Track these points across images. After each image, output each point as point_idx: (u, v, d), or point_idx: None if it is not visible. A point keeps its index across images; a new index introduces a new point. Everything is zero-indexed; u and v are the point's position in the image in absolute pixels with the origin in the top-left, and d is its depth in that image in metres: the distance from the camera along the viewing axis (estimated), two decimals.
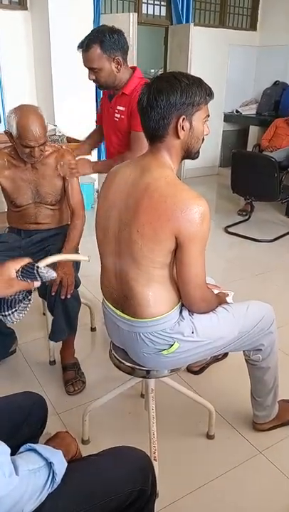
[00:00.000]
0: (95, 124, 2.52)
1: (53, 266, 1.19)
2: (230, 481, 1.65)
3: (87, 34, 2.00)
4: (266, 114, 5.76)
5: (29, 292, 1.17)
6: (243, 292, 2.90)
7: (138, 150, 1.98)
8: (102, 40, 1.94)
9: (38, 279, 1.11)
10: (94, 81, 2.07)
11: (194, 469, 1.70)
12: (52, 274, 1.13)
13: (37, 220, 2.15)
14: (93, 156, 3.89)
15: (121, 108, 2.11)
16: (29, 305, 1.18)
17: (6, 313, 1.15)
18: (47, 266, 1.14)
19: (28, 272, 1.10)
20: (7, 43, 4.25)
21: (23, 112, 1.87)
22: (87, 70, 2.06)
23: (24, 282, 1.10)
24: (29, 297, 1.17)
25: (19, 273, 1.10)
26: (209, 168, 6.34)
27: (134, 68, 2.13)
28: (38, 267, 1.11)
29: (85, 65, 2.03)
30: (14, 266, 1.10)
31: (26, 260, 1.12)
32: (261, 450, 1.78)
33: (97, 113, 2.47)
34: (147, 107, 1.26)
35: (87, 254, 1.31)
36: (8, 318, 1.16)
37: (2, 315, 1.15)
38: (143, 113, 1.28)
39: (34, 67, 4.57)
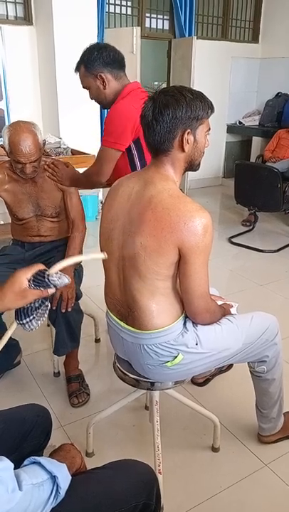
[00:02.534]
0: None
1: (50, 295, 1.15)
2: (235, 494, 1.63)
3: None
4: (269, 125, 5.80)
5: (45, 299, 1.14)
6: (247, 303, 2.91)
7: (95, 166, 1.94)
8: (83, 60, 1.93)
9: (52, 286, 1.08)
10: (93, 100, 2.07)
11: (199, 482, 1.69)
12: (64, 280, 1.09)
13: (39, 233, 2.16)
14: None
15: None
16: (47, 311, 1.16)
17: (24, 321, 1.13)
18: (59, 272, 1.10)
19: (40, 281, 1.07)
20: (13, 58, 4.32)
21: (15, 128, 1.88)
22: None
23: (37, 291, 1.08)
24: (46, 303, 1.15)
25: (31, 282, 1.07)
26: (213, 179, 6.37)
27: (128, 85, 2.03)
28: (49, 274, 1.07)
29: None
30: (25, 275, 1.07)
31: (37, 267, 1.09)
32: (267, 463, 1.76)
33: None
34: (153, 120, 1.27)
35: (102, 253, 1.24)
36: (26, 326, 1.14)
37: (20, 323, 1.14)
38: (148, 127, 1.29)
39: (39, 81, 4.63)
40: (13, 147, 1.87)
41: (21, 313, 1.13)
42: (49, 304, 1.16)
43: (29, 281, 1.07)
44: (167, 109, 1.25)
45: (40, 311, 1.14)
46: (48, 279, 1.07)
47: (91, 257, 1.21)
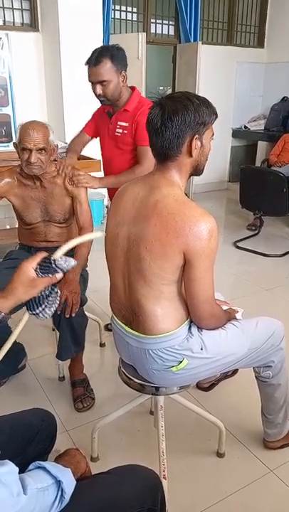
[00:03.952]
0: (87, 134, 2.54)
1: (59, 281, 1.16)
2: (241, 499, 1.62)
3: (92, 52, 2.09)
4: (274, 130, 5.80)
5: (54, 285, 1.14)
6: (252, 307, 2.90)
7: (148, 163, 2.06)
8: (112, 55, 2.06)
9: (59, 271, 1.09)
10: (99, 96, 2.15)
11: (204, 488, 1.68)
12: (71, 263, 1.10)
13: (46, 238, 2.17)
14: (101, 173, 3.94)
15: (123, 124, 2.21)
16: (57, 297, 1.16)
17: (37, 310, 1.14)
18: (64, 255, 1.11)
19: (46, 267, 1.08)
20: (19, 64, 4.35)
21: (28, 120, 1.95)
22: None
23: (46, 278, 1.08)
24: (55, 290, 1.16)
25: (38, 270, 1.08)
26: (218, 184, 6.37)
27: (132, 88, 2.25)
28: (54, 259, 1.08)
29: (92, 80, 2.11)
30: (31, 265, 1.08)
31: (41, 255, 1.10)
32: (272, 469, 1.75)
33: (87, 126, 2.53)
34: (162, 126, 1.28)
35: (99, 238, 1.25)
36: (40, 315, 1.14)
37: (34, 314, 1.14)
38: (157, 133, 1.29)
39: (45, 87, 4.67)
40: (21, 133, 1.90)
41: (33, 304, 1.13)
42: (59, 291, 1.17)
43: (36, 270, 1.08)
44: (176, 115, 1.26)
45: (50, 298, 1.15)
46: (55, 264, 1.08)
47: (90, 236, 1.24)
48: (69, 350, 2.00)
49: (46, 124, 1.97)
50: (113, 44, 2.15)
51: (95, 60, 2.06)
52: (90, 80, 2.13)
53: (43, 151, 1.93)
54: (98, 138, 2.47)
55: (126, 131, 2.22)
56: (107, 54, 2.05)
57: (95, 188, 2.24)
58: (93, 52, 2.08)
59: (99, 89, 2.11)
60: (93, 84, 2.12)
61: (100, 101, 2.21)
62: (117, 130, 2.25)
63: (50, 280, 1.09)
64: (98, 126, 2.43)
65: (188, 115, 1.27)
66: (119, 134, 2.24)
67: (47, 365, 2.38)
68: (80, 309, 1.98)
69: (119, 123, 2.23)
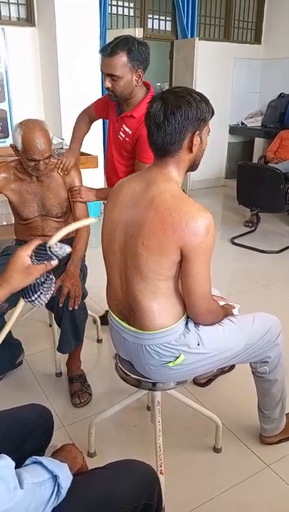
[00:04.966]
0: (94, 112, 2.32)
1: (59, 276, 1.13)
2: (237, 495, 1.63)
3: (111, 40, 1.90)
4: (271, 126, 5.80)
5: (49, 272, 1.14)
6: (249, 303, 2.90)
7: None
8: (130, 49, 1.86)
9: (54, 257, 1.09)
10: (108, 90, 1.97)
11: (201, 483, 1.68)
12: (66, 249, 1.10)
13: (44, 233, 2.16)
14: (100, 168, 3.93)
15: (127, 129, 2.07)
16: (53, 284, 1.16)
17: (33, 297, 1.13)
18: (59, 242, 1.10)
19: (41, 254, 1.08)
20: (15, 59, 4.33)
21: (28, 126, 1.90)
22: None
23: (41, 265, 1.08)
24: (50, 277, 1.15)
25: (33, 258, 1.08)
26: (215, 180, 6.37)
27: (148, 86, 2.07)
28: (49, 246, 1.08)
29: (104, 71, 1.93)
30: (26, 252, 1.07)
31: (36, 242, 1.09)
32: (269, 464, 1.76)
33: (98, 102, 2.31)
34: (165, 121, 1.26)
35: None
36: (36, 302, 1.14)
37: (29, 301, 1.14)
38: (159, 127, 1.28)
39: (42, 82, 4.65)
40: (27, 145, 1.88)
41: (28, 291, 1.13)
42: (54, 278, 1.17)
43: (31, 258, 1.07)
44: (180, 110, 1.25)
45: (46, 285, 1.14)
46: (50, 251, 1.07)
47: (84, 222, 1.33)
48: (70, 344, 2.01)
49: (44, 125, 1.94)
50: (135, 37, 1.92)
51: (110, 50, 1.85)
52: (101, 70, 1.96)
53: (49, 157, 1.96)
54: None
55: (128, 139, 2.08)
56: (124, 47, 1.84)
57: (91, 202, 2.17)
58: (112, 41, 1.89)
59: (108, 82, 1.92)
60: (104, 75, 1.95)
61: (108, 95, 2.04)
62: (120, 134, 2.11)
63: (45, 267, 1.08)
64: (107, 111, 2.22)
65: (191, 111, 1.26)
66: (122, 139, 2.11)
67: (44, 361, 2.38)
68: (82, 302, 1.99)
69: (123, 126, 2.08)
